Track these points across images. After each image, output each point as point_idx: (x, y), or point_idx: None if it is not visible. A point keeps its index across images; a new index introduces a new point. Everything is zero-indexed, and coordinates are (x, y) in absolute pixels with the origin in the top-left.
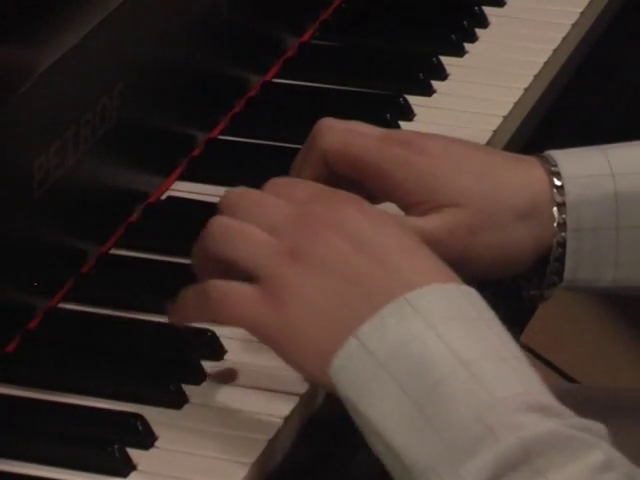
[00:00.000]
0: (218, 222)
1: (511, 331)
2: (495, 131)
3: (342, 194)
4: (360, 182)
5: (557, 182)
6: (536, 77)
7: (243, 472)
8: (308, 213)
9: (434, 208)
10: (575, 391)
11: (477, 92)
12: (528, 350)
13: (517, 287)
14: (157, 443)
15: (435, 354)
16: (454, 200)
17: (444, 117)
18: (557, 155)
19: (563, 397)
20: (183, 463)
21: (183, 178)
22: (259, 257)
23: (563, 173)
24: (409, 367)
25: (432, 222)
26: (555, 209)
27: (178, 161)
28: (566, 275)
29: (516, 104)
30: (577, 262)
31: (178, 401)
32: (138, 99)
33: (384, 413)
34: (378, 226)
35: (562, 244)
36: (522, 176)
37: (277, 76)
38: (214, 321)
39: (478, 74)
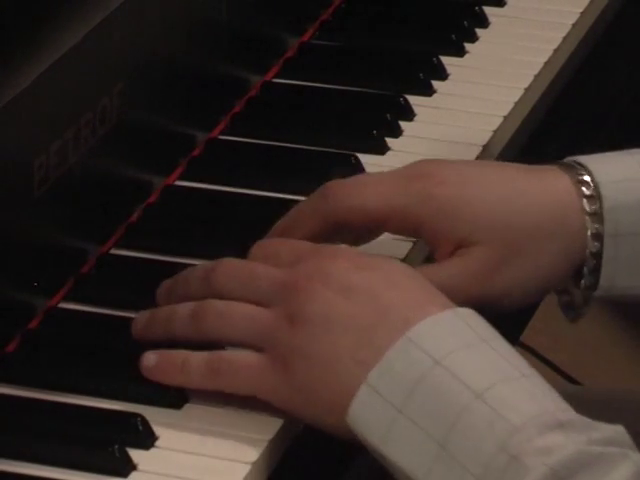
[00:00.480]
0: (210, 308)
1: (511, 331)
2: (495, 131)
3: (327, 248)
4: (370, 232)
5: (586, 191)
6: (536, 77)
7: (243, 472)
8: (296, 276)
9: (457, 249)
10: (577, 393)
11: (477, 92)
12: (528, 350)
13: None
14: (157, 443)
15: (447, 390)
16: (474, 237)
17: (444, 117)
18: (587, 161)
19: (565, 400)
20: (183, 463)
21: (183, 178)
22: (259, 332)
23: (597, 178)
24: (425, 407)
25: (447, 271)
26: (587, 219)
27: (178, 161)
28: (602, 283)
29: (516, 104)
30: (614, 269)
31: (178, 401)
32: (138, 99)
33: (410, 457)
34: (364, 270)
35: (595, 254)
36: (547, 191)
37: (277, 76)
38: (221, 390)
39: (478, 74)
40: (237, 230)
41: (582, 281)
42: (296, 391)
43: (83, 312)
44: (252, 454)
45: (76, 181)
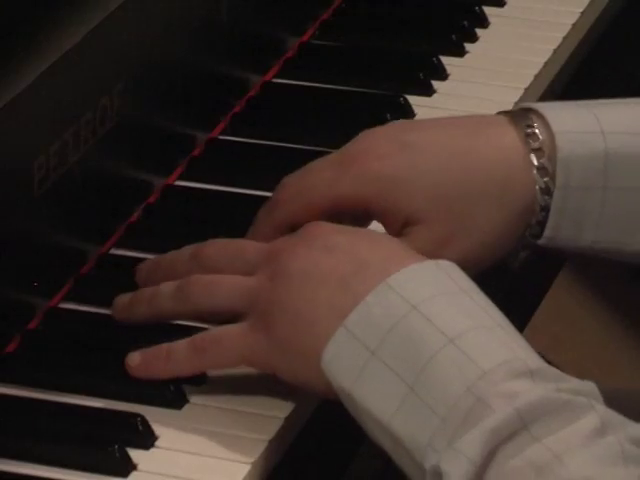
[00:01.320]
0: (196, 279)
1: None
2: None
3: (314, 222)
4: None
5: (534, 144)
6: (536, 77)
7: (243, 472)
8: (283, 244)
9: (404, 226)
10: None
11: (477, 92)
12: None
13: (519, 286)
14: (157, 443)
15: (421, 334)
16: (418, 214)
17: (444, 117)
18: (543, 108)
19: None
20: (183, 463)
21: (183, 178)
22: (243, 296)
23: (553, 128)
24: (398, 350)
25: None
26: (535, 173)
27: (178, 161)
28: (547, 232)
29: (516, 104)
30: (560, 220)
31: (178, 401)
32: (138, 99)
33: (379, 398)
34: (347, 232)
35: (544, 208)
36: (492, 151)
37: (277, 76)
38: (211, 368)
39: (478, 74)
40: (237, 230)
41: (527, 230)
42: (275, 345)
43: (83, 312)
44: (252, 454)
45: (76, 181)
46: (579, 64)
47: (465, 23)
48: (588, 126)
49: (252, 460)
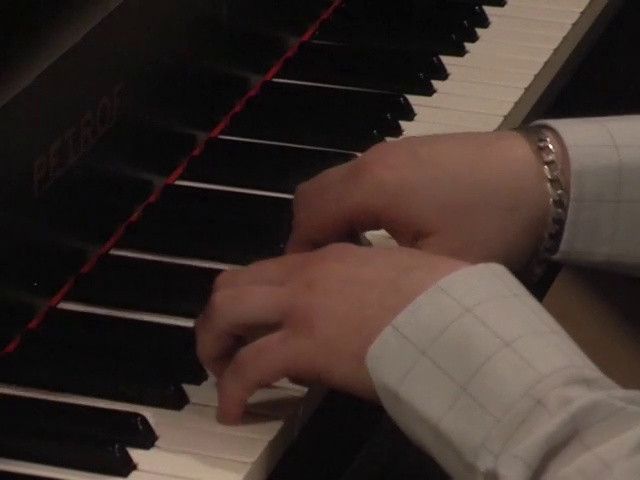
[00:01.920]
0: (219, 296)
1: None
2: (495, 131)
3: (333, 244)
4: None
5: (547, 157)
6: (536, 77)
7: (243, 472)
8: (308, 255)
9: (416, 237)
10: None
11: (477, 92)
12: None
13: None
14: (157, 443)
15: (476, 336)
16: (429, 226)
17: (444, 117)
18: (555, 124)
19: None
20: (183, 463)
21: (183, 178)
22: (277, 305)
23: (566, 142)
24: (450, 351)
25: None
26: (548, 185)
27: (178, 161)
28: (562, 246)
29: (516, 104)
30: (575, 233)
31: (178, 401)
32: (138, 99)
33: (428, 398)
34: (375, 249)
35: (557, 220)
36: (504, 163)
37: (277, 76)
38: (261, 386)
39: (478, 74)
40: (237, 230)
41: (542, 245)
42: (321, 347)
43: (83, 312)
44: (252, 454)
45: (76, 181)
46: (579, 64)
47: (465, 23)
48: (601, 140)
49: (252, 460)
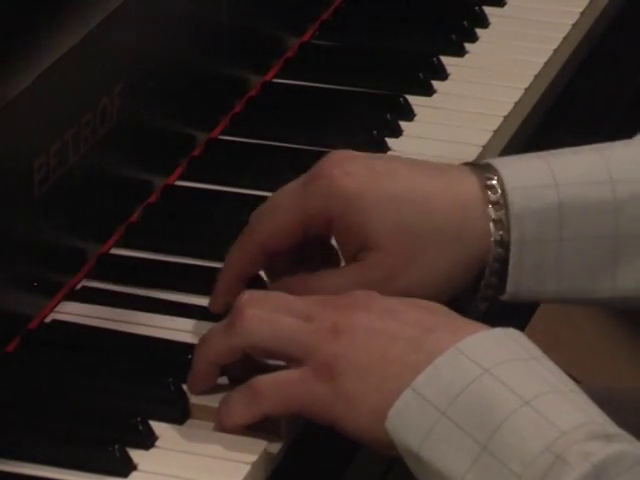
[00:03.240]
0: (251, 314)
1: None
2: (495, 131)
3: (357, 291)
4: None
5: (492, 197)
6: (536, 77)
7: (243, 472)
8: (336, 299)
9: (359, 250)
10: None
11: (477, 92)
12: None
13: None
14: (157, 443)
15: (495, 395)
16: (373, 241)
17: (444, 117)
18: (499, 165)
19: None
20: (183, 463)
21: (183, 178)
22: (304, 341)
23: (506, 185)
24: (470, 411)
25: (345, 277)
26: (491, 225)
27: (178, 161)
28: (509, 288)
29: (516, 104)
30: (519, 274)
31: (178, 402)
32: (138, 99)
33: (450, 458)
34: (399, 300)
35: (498, 259)
36: (453, 196)
37: (277, 76)
38: (269, 415)
39: (478, 74)
40: (237, 230)
41: (483, 282)
42: (340, 398)
43: (83, 312)
44: (252, 454)
45: (76, 181)
46: (579, 64)
47: (465, 23)
48: (542, 180)
49: (252, 460)
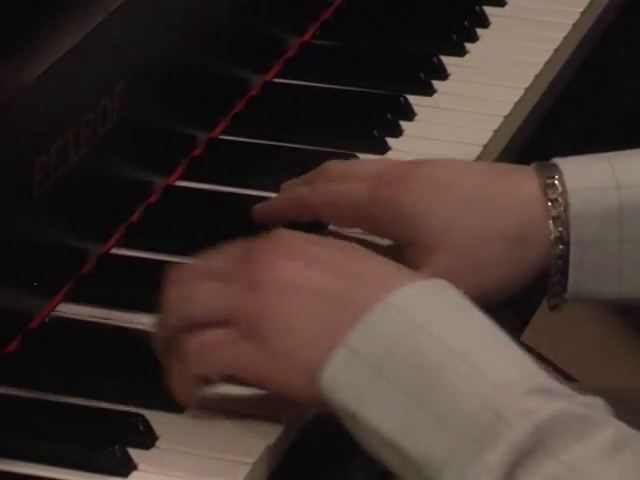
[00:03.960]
0: (169, 295)
1: (511, 331)
2: (496, 131)
3: (280, 231)
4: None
5: (552, 195)
6: (537, 77)
7: (243, 472)
8: (253, 251)
9: (422, 252)
10: (575, 390)
11: (478, 92)
12: (528, 350)
13: None
14: (158, 443)
15: (430, 351)
16: (436, 243)
17: (445, 117)
18: (562, 164)
19: None
20: (183, 463)
21: (183, 178)
22: (222, 304)
23: (567, 184)
24: (405, 368)
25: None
26: (550, 222)
27: (178, 161)
28: (570, 288)
29: (517, 104)
30: (580, 275)
31: (179, 402)
32: (138, 99)
33: (387, 416)
34: (320, 243)
35: (560, 257)
36: (514, 196)
37: (278, 76)
38: (204, 375)
39: (479, 74)
40: (237, 230)
41: (550, 280)
42: (267, 357)
43: (83, 312)
44: (252, 454)
45: (76, 181)
46: (579, 64)
47: (465, 23)
48: (603, 181)
49: (252, 460)
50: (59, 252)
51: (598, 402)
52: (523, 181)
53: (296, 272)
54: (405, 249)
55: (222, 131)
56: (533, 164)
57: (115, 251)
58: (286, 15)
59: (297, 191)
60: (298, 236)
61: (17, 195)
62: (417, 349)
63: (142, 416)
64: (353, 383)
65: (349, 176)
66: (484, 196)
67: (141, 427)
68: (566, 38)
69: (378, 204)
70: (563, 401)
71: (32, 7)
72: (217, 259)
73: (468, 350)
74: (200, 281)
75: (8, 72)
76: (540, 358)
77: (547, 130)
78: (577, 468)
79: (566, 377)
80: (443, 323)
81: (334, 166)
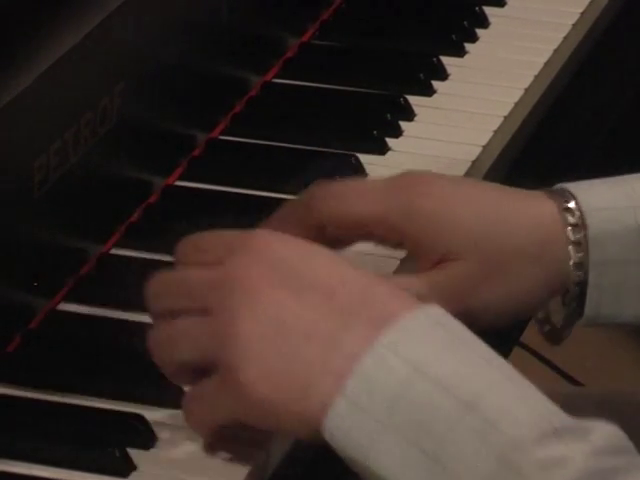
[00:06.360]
0: (152, 340)
1: (511, 331)
2: (496, 131)
3: (257, 234)
4: (350, 238)
5: (571, 219)
6: (536, 77)
7: (243, 472)
8: (229, 274)
9: (440, 261)
10: (577, 393)
11: (477, 92)
12: (528, 350)
13: None
14: (157, 443)
15: (432, 400)
16: (457, 252)
17: (444, 117)
18: (574, 188)
19: (565, 400)
20: (183, 463)
21: (183, 178)
22: (202, 343)
23: (583, 207)
24: (410, 419)
25: (428, 282)
26: (571, 247)
27: (178, 161)
28: (587, 312)
29: (516, 104)
30: (599, 296)
31: (179, 401)
32: (138, 99)
33: (398, 469)
34: (300, 254)
35: (578, 283)
36: (532, 217)
37: (277, 76)
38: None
39: (478, 74)
40: (237, 230)
41: (565, 307)
42: (258, 410)
43: (83, 312)
44: (252, 455)
45: (76, 181)
46: (579, 64)
47: (465, 23)
48: (619, 202)
49: (252, 461)
50: (59, 252)
51: (618, 434)
52: (539, 203)
53: (276, 303)
54: (419, 259)
55: (222, 131)
56: (542, 190)
57: (115, 251)
58: (286, 15)
59: (297, 214)
60: (282, 246)
61: (17, 195)
62: (421, 399)
63: (142, 416)
64: (357, 436)
65: (352, 192)
66: (503, 214)
67: (141, 427)
68: (566, 38)
69: (396, 212)
70: (582, 446)
71: (32, 7)
72: (193, 277)
73: (473, 396)
74: (178, 317)
75: (8, 72)
76: (540, 358)
77: (547, 130)
78: None
79: (566, 377)
80: (441, 362)
81: (328, 186)
